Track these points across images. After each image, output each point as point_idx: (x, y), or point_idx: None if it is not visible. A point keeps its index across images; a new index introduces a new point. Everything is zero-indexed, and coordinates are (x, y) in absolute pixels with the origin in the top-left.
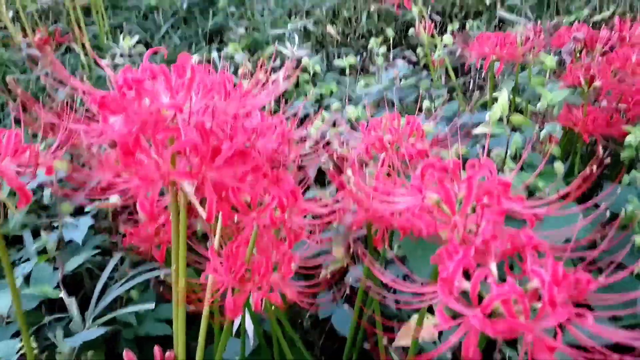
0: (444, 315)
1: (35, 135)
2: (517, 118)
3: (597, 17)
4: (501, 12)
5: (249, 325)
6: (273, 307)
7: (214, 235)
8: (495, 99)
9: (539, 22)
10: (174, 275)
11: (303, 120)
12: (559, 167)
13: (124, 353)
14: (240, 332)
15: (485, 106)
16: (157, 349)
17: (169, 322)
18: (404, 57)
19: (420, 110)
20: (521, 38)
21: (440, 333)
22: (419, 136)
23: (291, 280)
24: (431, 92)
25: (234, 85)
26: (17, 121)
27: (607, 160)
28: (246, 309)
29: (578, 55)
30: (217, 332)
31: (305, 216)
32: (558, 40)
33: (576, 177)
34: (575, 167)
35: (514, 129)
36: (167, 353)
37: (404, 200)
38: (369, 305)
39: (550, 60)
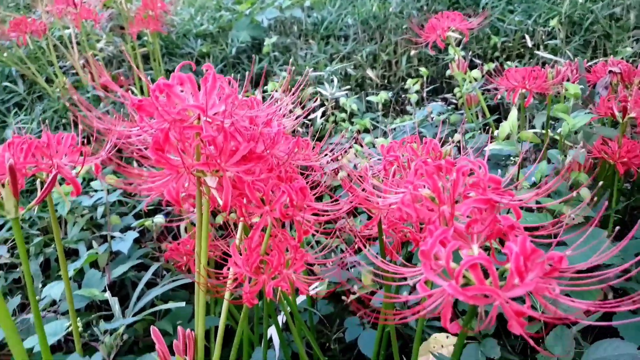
0: (423, 287)
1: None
2: (526, 134)
3: None
4: (542, 53)
5: (276, 340)
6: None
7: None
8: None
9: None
10: (197, 257)
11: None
12: (585, 193)
13: (178, 329)
14: (264, 342)
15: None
16: (180, 329)
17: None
18: (443, 99)
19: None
20: (552, 73)
21: None
22: (435, 157)
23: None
24: (464, 128)
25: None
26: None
27: None
28: (274, 326)
29: (615, 89)
30: (246, 343)
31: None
32: (594, 75)
33: (616, 208)
34: (613, 199)
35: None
36: (188, 331)
37: (398, 193)
38: (391, 328)
39: (575, 89)
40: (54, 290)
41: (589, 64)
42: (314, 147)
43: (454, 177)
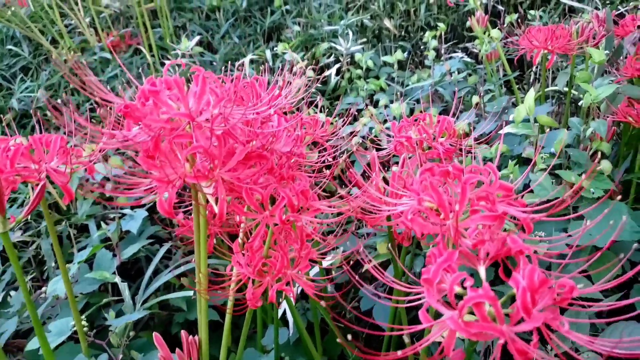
0: (425, 315)
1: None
2: (544, 119)
3: None
4: (567, 1)
5: (290, 317)
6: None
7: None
8: (553, 91)
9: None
10: (197, 266)
11: (354, 115)
12: (607, 165)
13: (182, 334)
14: (275, 324)
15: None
16: (183, 333)
17: (216, 307)
18: (464, 49)
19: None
20: (577, 29)
21: None
22: (450, 135)
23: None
24: (484, 87)
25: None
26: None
27: None
28: (285, 302)
29: None
30: (259, 322)
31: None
32: (622, 29)
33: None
34: (636, 165)
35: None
36: (191, 337)
37: (404, 203)
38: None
39: (599, 55)
40: (59, 285)
41: (620, 10)
42: (322, 125)
43: (459, 191)
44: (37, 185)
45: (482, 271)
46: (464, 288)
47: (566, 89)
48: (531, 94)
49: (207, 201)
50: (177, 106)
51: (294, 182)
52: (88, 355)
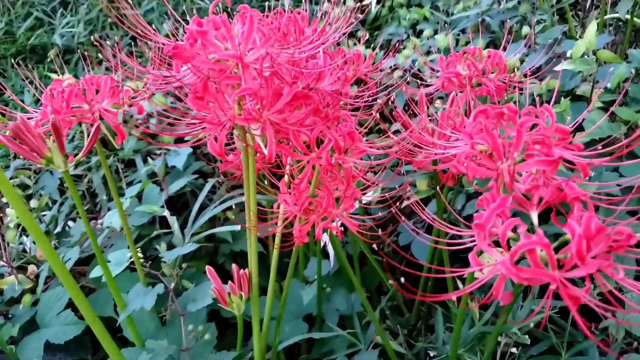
0: (475, 259)
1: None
2: (605, 54)
3: None
4: None
5: (330, 250)
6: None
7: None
8: (611, 19)
9: None
10: (246, 204)
11: (396, 48)
12: None
13: (233, 267)
14: (317, 256)
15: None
16: (234, 267)
17: (261, 240)
18: None
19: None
20: None
21: None
22: (500, 71)
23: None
24: (536, 17)
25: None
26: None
27: None
28: (327, 234)
29: None
30: (301, 255)
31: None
32: None
33: None
34: None
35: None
36: (242, 271)
37: (456, 146)
38: (443, 236)
39: None
40: (115, 218)
41: None
42: (365, 59)
43: (514, 135)
44: (91, 125)
45: (534, 216)
46: (517, 233)
47: (627, 16)
48: (593, 27)
49: (254, 140)
50: (224, 47)
51: (340, 122)
52: (145, 284)
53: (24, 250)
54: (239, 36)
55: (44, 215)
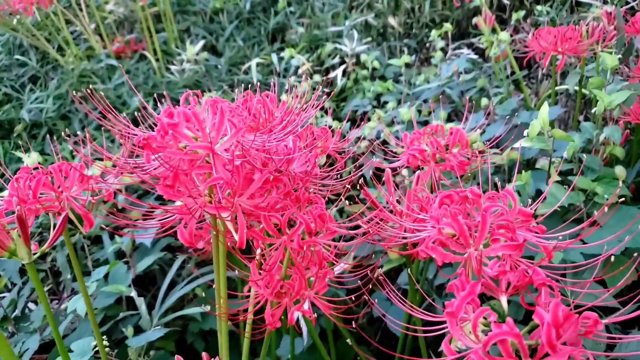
0: (448, 347)
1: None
2: (559, 133)
3: None
4: None
5: (303, 324)
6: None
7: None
8: (558, 93)
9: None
10: (216, 291)
11: (362, 118)
12: (620, 171)
13: (203, 356)
14: (291, 334)
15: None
16: (204, 355)
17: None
18: (469, 45)
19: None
20: (587, 30)
21: None
22: (462, 146)
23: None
24: (493, 89)
25: (279, 102)
26: (98, 128)
27: None
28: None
29: None
30: (274, 333)
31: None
32: (633, 27)
33: None
34: None
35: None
36: None
37: (424, 228)
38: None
39: (612, 60)
40: (79, 304)
41: (631, 4)
42: (333, 135)
43: (479, 220)
44: (59, 214)
45: (504, 302)
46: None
47: (576, 88)
48: (545, 107)
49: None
50: (195, 136)
51: (310, 204)
52: None
53: None
54: (210, 127)
55: (3, 297)
